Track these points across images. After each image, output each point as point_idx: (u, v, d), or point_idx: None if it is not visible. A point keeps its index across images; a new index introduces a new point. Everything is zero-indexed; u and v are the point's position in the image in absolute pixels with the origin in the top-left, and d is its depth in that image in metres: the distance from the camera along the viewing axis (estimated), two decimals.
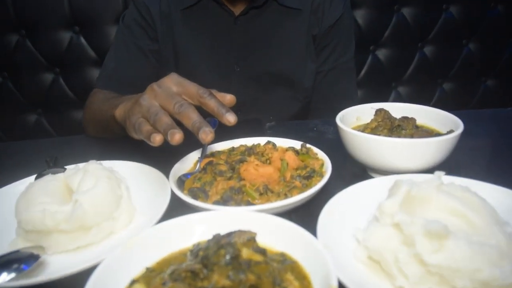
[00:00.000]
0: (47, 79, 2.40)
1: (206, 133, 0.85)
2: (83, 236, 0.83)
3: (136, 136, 0.93)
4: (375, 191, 0.89)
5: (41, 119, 2.49)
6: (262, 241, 0.75)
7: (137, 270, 0.72)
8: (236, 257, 0.63)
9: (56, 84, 2.41)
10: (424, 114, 1.18)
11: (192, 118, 0.87)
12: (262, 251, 0.67)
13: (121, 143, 1.41)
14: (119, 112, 1.07)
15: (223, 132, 1.37)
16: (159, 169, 1.05)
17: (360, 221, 0.82)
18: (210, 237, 0.75)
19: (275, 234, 0.75)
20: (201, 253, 0.68)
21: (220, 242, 0.66)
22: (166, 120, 0.88)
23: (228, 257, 0.62)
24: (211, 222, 0.78)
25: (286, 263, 0.70)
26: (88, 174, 0.91)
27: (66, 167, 1.10)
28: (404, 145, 0.96)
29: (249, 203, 0.87)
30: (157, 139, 0.85)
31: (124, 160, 1.12)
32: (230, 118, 0.89)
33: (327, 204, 0.84)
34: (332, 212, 0.82)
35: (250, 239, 0.68)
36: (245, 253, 0.64)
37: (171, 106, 0.90)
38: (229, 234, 0.68)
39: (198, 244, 0.75)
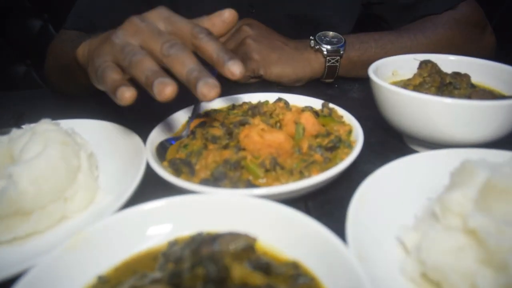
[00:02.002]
0: (34, 26, 2.15)
1: (208, 87, 0.61)
2: (20, 224, 0.61)
3: (99, 86, 0.69)
4: (425, 172, 0.66)
5: (30, 71, 2.26)
6: (266, 242, 0.53)
7: (86, 279, 0.51)
8: (222, 281, 0.40)
9: (44, 32, 2.16)
10: (480, 69, 0.91)
11: (187, 64, 0.63)
12: (264, 267, 0.44)
13: (101, 97, 1.18)
14: (82, 51, 0.82)
15: (222, 85, 1.13)
16: (139, 131, 0.81)
17: (406, 216, 0.58)
18: (191, 231, 0.53)
19: (286, 233, 0.52)
20: (170, 265, 0.45)
21: (200, 252, 0.43)
22: (149, 64, 0.64)
23: (209, 282, 0.39)
24: (193, 211, 0.55)
25: (300, 281, 0.46)
26: (36, 138, 0.67)
27: (23, 126, 0.86)
28: (464, 108, 0.70)
29: (249, 184, 0.62)
30: (126, 96, 0.62)
31: (97, 119, 0.88)
32: (234, 69, 0.64)
33: (360, 189, 0.59)
34: (366, 201, 0.58)
35: (247, 248, 0.44)
36: (238, 272, 0.41)
37: (157, 46, 0.66)
38: (214, 239, 0.45)
39: (175, 242, 0.53)
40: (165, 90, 0.60)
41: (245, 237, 0.45)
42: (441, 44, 1.20)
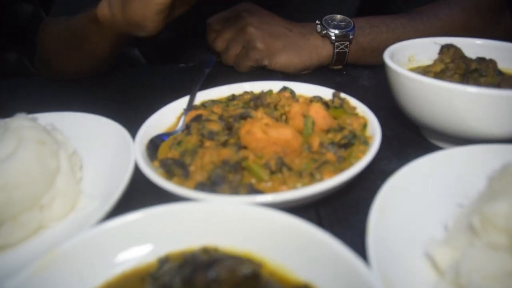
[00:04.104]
0: (25, 11, 2.07)
1: None
2: None
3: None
4: (452, 172, 0.57)
5: (21, 58, 2.17)
6: (272, 260, 0.45)
7: None
8: None
9: (36, 17, 2.07)
10: (507, 54, 0.83)
11: None
12: None
13: (90, 87, 1.09)
14: (102, 7, 0.86)
15: (221, 74, 1.04)
16: (129, 125, 0.72)
17: (434, 225, 0.50)
18: (183, 246, 0.46)
19: (296, 250, 0.44)
20: None
21: (193, 282, 0.35)
22: None
23: None
24: (185, 223, 0.47)
25: None
26: (8, 136, 0.59)
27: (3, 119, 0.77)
28: (497, 99, 0.62)
29: (252, 190, 0.54)
30: None
31: (83, 111, 0.78)
32: None
33: (380, 195, 0.51)
34: (388, 209, 0.50)
35: (251, 276, 0.36)
36: None
37: None
38: (211, 264, 0.37)
39: (166, 259, 0.45)
40: None
41: (248, 262, 0.37)
42: (456, 27, 1.11)
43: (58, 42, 1.09)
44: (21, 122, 0.62)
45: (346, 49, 1.06)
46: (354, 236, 0.52)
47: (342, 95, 0.75)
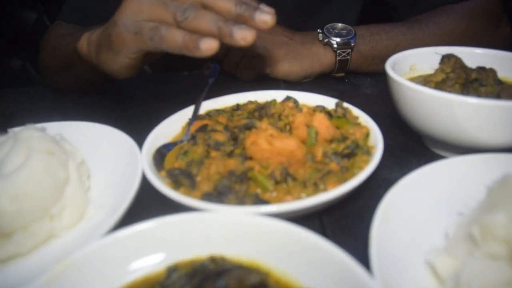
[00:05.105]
0: (29, 18, 2.08)
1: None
2: (1, 246, 0.54)
3: (144, 47, 0.69)
4: (453, 181, 0.59)
5: (26, 65, 2.19)
6: (277, 268, 0.46)
7: None
8: None
9: (40, 24, 2.09)
10: (506, 63, 0.84)
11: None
12: None
13: (94, 95, 1.10)
14: (82, 43, 0.82)
15: (224, 82, 1.06)
16: (133, 132, 0.73)
17: (435, 234, 0.51)
18: (191, 256, 0.48)
19: (300, 259, 0.46)
20: None
21: None
22: (213, 14, 0.64)
23: None
24: (193, 232, 0.48)
25: None
26: (18, 147, 0.60)
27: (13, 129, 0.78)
28: (496, 109, 0.63)
29: (258, 200, 0.55)
30: (214, 45, 0.62)
31: (90, 120, 0.79)
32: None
33: (382, 204, 0.52)
34: (390, 219, 0.51)
35: (258, 285, 0.38)
36: None
37: (169, 16, 0.66)
38: (219, 274, 0.38)
39: (175, 268, 0.46)
40: (249, 35, 0.61)
41: (256, 272, 0.38)
42: (455, 35, 1.12)
43: (54, 60, 1.10)
44: (30, 132, 0.63)
45: (348, 57, 1.08)
46: (357, 244, 0.53)
47: (345, 104, 0.76)
